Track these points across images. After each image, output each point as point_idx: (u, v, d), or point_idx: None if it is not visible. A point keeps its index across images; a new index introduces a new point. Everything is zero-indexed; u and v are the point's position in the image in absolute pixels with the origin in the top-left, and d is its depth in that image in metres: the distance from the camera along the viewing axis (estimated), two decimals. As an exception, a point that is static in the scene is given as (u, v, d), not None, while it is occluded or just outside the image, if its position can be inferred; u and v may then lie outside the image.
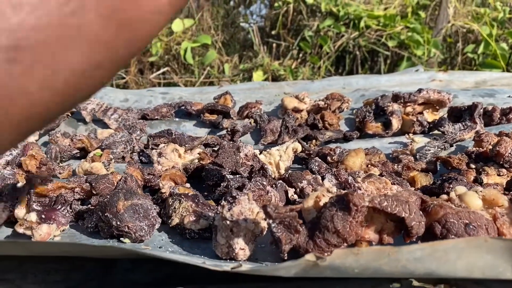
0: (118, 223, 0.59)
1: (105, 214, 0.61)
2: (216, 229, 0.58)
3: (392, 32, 3.28)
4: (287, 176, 0.82)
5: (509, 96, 1.29)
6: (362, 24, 3.32)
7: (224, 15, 3.89)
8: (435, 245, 0.43)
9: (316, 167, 0.83)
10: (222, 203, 0.58)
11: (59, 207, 0.69)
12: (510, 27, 3.47)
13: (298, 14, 3.61)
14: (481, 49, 3.27)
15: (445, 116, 1.11)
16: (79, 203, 0.77)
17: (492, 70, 2.87)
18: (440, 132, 1.10)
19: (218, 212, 0.58)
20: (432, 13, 3.66)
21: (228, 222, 0.56)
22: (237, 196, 0.57)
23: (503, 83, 1.67)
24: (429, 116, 1.16)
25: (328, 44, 3.32)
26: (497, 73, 1.89)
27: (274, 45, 3.59)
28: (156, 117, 1.32)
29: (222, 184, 0.76)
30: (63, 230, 0.69)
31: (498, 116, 1.11)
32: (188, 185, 0.81)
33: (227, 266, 0.52)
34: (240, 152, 0.81)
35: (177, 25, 3.38)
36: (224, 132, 1.22)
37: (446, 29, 3.48)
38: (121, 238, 0.62)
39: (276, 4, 3.62)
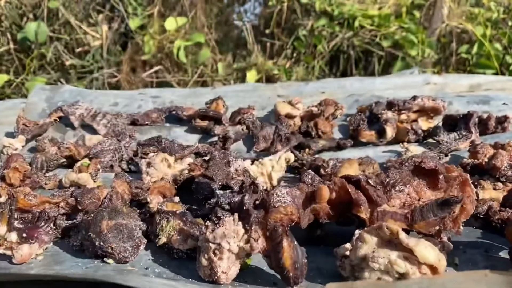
0: (102, 243, 0.57)
1: (89, 234, 0.58)
2: (199, 250, 0.56)
3: (387, 32, 3.27)
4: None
5: (504, 103, 1.28)
6: (356, 23, 3.29)
7: (217, 13, 3.86)
8: (433, 279, 0.41)
9: (309, 180, 0.81)
10: (206, 223, 0.56)
11: (42, 224, 0.67)
12: (503, 28, 3.46)
13: (292, 13, 3.58)
14: (475, 49, 3.26)
15: (440, 124, 1.09)
16: (64, 217, 0.74)
17: (486, 71, 2.87)
18: (434, 141, 1.08)
19: (201, 232, 0.56)
20: (426, 13, 3.64)
21: (210, 244, 0.54)
22: (222, 217, 0.55)
23: (498, 86, 1.66)
24: (424, 124, 1.14)
25: (322, 43, 3.30)
26: (492, 76, 1.88)
27: (268, 44, 3.56)
28: (146, 122, 1.29)
29: (212, 199, 0.74)
30: (45, 249, 0.67)
31: (493, 124, 1.09)
32: (177, 198, 0.79)
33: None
34: (230, 166, 0.79)
35: (170, 23, 3.34)
36: (216, 138, 1.20)
37: (440, 29, 3.47)
38: (105, 259, 0.60)
39: (270, 3, 3.58)
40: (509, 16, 3.48)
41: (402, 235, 0.50)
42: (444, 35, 3.57)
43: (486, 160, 0.84)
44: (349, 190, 0.59)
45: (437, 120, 1.17)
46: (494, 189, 0.78)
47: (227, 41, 3.91)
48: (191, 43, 3.41)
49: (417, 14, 3.52)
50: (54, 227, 0.69)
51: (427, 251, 0.49)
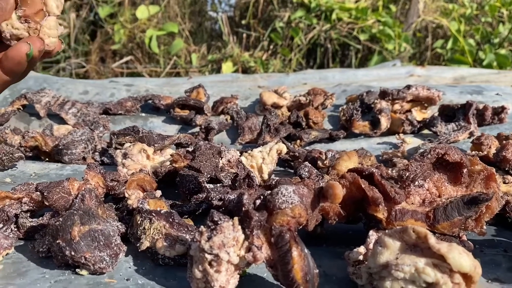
0: (73, 253, 0.47)
1: (57, 241, 0.49)
2: (192, 260, 0.47)
3: (364, 25, 3.23)
4: (274, 183, 0.71)
5: (497, 94, 1.24)
6: (333, 16, 3.24)
7: (191, 2, 3.73)
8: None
9: (306, 173, 0.74)
10: (200, 229, 0.47)
11: (1, 226, 0.57)
12: (477, 24, 3.49)
13: (268, 4, 3.50)
14: (449, 44, 3.27)
15: (437, 114, 1.04)
16: (28, 215, 0.64)
17: (461, 66, 2.87)
18: (431, 132, 1.03)
19: (194, 239, 0.47)
20: (402, 7, 3.64)
21: (206, 255, 0.45)
22: (219, 222, 0.46)
23: (482, 79, 1.63)
24: (418, 114, 1.09)
25: (300, 36, 3.23)
26: (474, 69, 1.86)
27: (244, 35, 3.47)
28: (120, 111, 1.19)
29: (200, 194, 0.65)
30: (6, 254, 0.56)
31: (490, 115, 1.05)
32: (159, 192, 0.69)
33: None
34: (222, 157, 0.70)
35: (142, 12, 3.19)
36: (197, 129, 1.11)
37: (416, 24, 3.47)
38: (77, 269, 0.50)
39: (246, -7, 3.49)
40: (482, 12, 3.52)
41: (432, 240, 0.43)
42: (419, 30, 3.57)
43: (493, 151, 0.78)
44: (363, 186, 0.52)
45: (431, 111, 1.12)
46: (504, 182, 0.73)
47: (201, 32, 3.79)
48: (164, 33, 3.28)
49: (393, 8, 3.51)
50: (16, 228, 0.59)
51: (462, 257, 0.42)
